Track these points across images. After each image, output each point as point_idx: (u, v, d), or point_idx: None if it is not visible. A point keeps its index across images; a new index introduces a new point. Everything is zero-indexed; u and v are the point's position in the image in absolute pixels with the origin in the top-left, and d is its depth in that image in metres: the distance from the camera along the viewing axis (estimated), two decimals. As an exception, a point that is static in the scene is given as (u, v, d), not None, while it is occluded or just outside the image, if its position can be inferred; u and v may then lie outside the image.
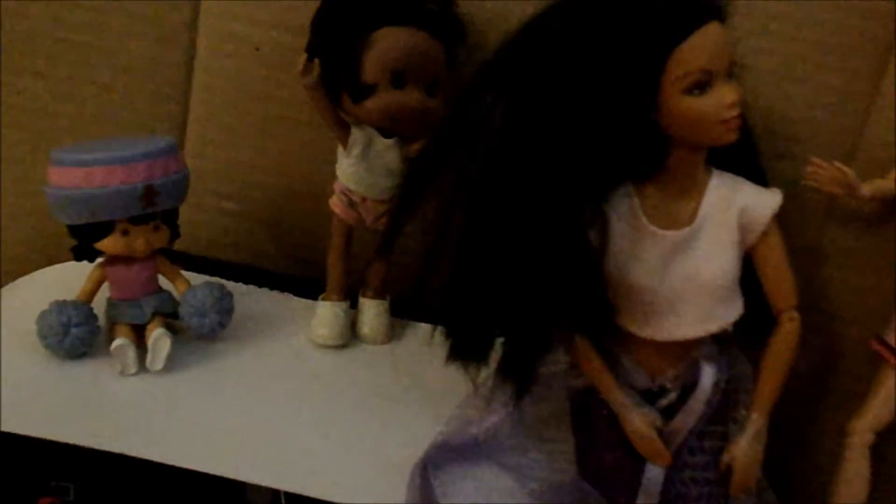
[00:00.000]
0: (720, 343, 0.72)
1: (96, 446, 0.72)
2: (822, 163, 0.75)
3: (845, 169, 0.75)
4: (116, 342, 0.80)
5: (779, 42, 0.84)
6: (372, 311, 0.89)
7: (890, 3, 0.82)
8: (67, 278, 0.87)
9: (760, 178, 0.72)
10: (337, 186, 0.85)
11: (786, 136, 0.86)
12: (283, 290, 0.96)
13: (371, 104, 0.79)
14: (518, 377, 0.70)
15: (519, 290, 0.65)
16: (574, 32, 0.63)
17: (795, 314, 0.71)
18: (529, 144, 0.63)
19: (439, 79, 0.80)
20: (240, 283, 0.95)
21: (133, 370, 0.81)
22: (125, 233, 0.80)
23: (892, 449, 0.84)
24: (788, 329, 0.70)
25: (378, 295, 0.89)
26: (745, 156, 0.72)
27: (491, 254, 0.64)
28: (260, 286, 0.96)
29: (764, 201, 0.68)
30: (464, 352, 0.70)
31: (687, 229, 0.67)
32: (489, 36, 0.85)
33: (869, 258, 0.87)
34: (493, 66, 0.67)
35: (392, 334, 0.91)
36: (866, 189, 0.78)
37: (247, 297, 0.93)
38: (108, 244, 0.81)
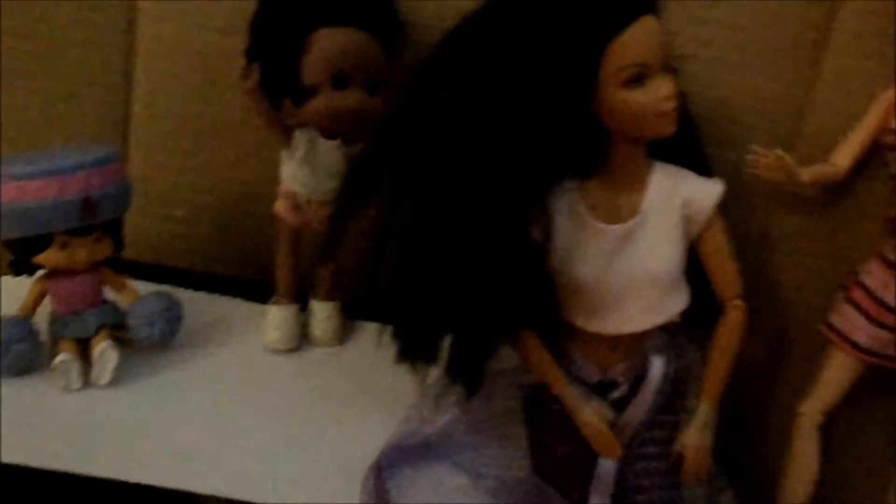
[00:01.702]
0: (668, 333, 0.73)
1: (40, 465, 0.71)
2: (762, 151, 0.76)
3: (784, 156, 0.76)
4: (59, 358, 0.79)
5: (718, 31, 0.85)
6: (322, 314, 0.88)
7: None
8: (7, 293, 0.85)
9: (703, 167, 0.73)
10: (282, 190, 0.84)
11: (729, 123, 0.87)
12: (233, 295, 0.95)
13: (313, 106, 0.78)
14: (467, 376, 0.70)
15: (463, 288, 0.64)
16: (511, 29, 0.63)
17: (740, 302, 0.71)
18: (470, 141, 0.63)
19: (381, 78, 0.80)
20: (189, 291, 0.94)
21: (77, 386, 0.79)
22: (65, 245, 0.79)
23: (840, 428, 0.85)
24: (733, 317, 0.71)
25: (328, 297, 0.89)
26: (687, 146, 0.72)
27: (434, 253, 0.64)
28: (210, 292, 0.95)
29: (706, 192, 0.68)
30: (412, 352, 0.69)
31: (630, 223, 0.67)
32: (431, 33, 0.85)
33: (815, 242, 0.89)
34: (431, 65, 0.67)
35: (344, 336, 0.91)
36: (806, 175, 0.79)
37: (197, 304, 0.92)
38: (48, 258, 0.79)
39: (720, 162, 0.84)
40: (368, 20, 0.78)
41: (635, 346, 0.71)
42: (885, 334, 0.80)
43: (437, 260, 0.64)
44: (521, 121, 0.62)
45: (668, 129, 0.65)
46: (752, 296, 0.90)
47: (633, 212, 0.68)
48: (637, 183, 0.68)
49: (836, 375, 0.83)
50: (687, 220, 0.68)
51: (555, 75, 0.62)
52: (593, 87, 0.62)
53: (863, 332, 0.81)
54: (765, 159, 0.76)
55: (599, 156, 0.67)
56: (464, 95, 0.63)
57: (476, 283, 0.64)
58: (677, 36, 0.84)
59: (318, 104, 0.78)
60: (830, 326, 0.83)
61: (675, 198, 0.68)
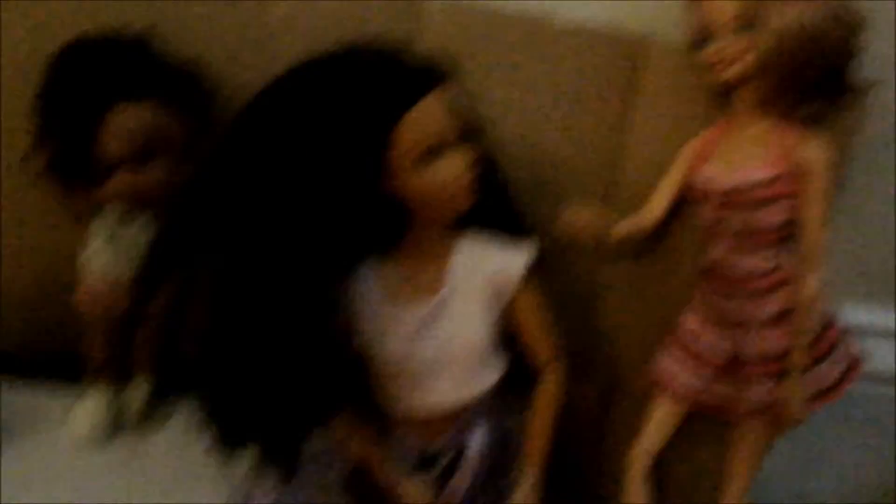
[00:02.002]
0: (489, 400, 0.72)
1: None
2: (575, 209, 0.77)
3: (595, 215, 0.77)
4: None
5: (528, 89, 0.86)
6: (137, 394, 0.84)
7: (629, 47, 0.85)
8: None
9: (517, 228, 0.73)
10: (85, 272, 0.80)
11: (546, 178, 0.88)
12: (44, 378, 0.88)
13: (113, 185, 0.74)
14: (283, 460, 0.68)
15: (267, 374, 0.62)
16: (298, 108, 0.61)
17: (557, 365, 0.72)
18: (262, 222, 0.60)
19: (187, 148, 0.76)
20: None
21: None
22: None
23: (670, 470, 0.88)
24: (551, 381, 0.72)
25: (142, 377, 0.84)
26: (500, 207, 0.72)
27: (233, 338, 0.62)
28: (20, 376, 0.88)
29: (513, 262, 0.68)
30: (225, 438, 0.67)
31: (434, 299, 0.67)
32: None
33: (640, 291, 0.91)
34: (225, 144, 0.65)
35: (160, 416, 0.85)
36: (619, 231, 0.81)
37: (3, 390, 0.85)
38: None
39: (541, 216, 0.86)
40: (169, 92, 0.75)
41: (454, 418, 0.70)
42: (702, 379, 0.83)
43: (237, 346, 0.62)
44: (313, 202, 0.60)
45: (465, 203, 0.64)
46: (582, 345, 0.93)
47: (438, 288, 0.67)
48: (440, 258, 0.67)
49: (660, 420, 0.85)
50: (495, 291, 0.68)
51: (343, 157, 0.60)
52: (384, 168, 0.61)
53: (683, 378, 0.84)
54: (577, 219, 0.77)
55: (399, 234, 0.65)
56: (256, 177, 0.61)
57: (279, 370, 0.62)
58: (483, 101, 0.85)
59: (119, 182, 0.74)
60: (653, 374, 0.86)
61: (482, 270, 0.67)
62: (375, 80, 0.60)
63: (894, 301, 1.00)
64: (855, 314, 0.98)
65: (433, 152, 0.62)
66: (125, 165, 0.73)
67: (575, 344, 0.92)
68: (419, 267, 0.67)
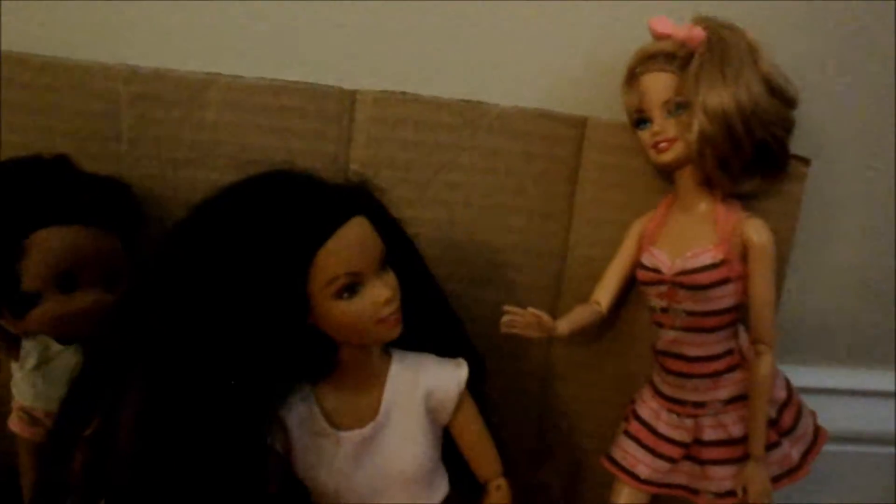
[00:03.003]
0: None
1: None
2: (517, 310, 0.74)
3: (539, 314, 0.75)
4: None
5: (469, 174, 0.84)
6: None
7: (569, 128, 0.84)
8: None
9: (455, 340, 0.71)
10: (15, 404, 0.77)
11: (494, 263, 0.86)
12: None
13: (38, 315, 0.70)
14: None
15: None
16: (216, 243, 0.59)
17: (502, 481, 0.69)
18: (188, 351, 0.58)
19: (118, 271, 0.73)
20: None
21: None
22: None
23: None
24: (494, 497, 0.69)
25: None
26: (436, 322, 0.70)
27: (165, 469, 0.59)
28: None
29: (449, 379, 0.66)
30: None
31: (370, 425, 0.64)
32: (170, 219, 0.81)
33: (595, 372, 0.89)
34: (147, 272, 0.63)
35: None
36: (563, 326, 0.78)
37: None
38: None
39: (489, 304, 0.84)
40: (96, 215, 0.72)
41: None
42: (663, 464, 0.81)
43: (165, 473, 0.59)
44: (236, 332, 0.58)
45: (391, 333, 0.62)
46: (540, 431, 0.90)
47: (373, 413, 0.64)
48: (374, 381, 0.65)
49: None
50: (433, 410, 0.66)
51: (262, 288, 0.58)
52: (304, 299, 0.59)
53: (643, 465, 0.81)
54: (521, 318, 0.75)
55: (328, 361, 0.63)
56: (177, 307, 0.59)
57: (214, 500, 0.59)
58: (423, 189, 0.83)
59: (42, 312, 0.70)
60: (612, 460, 0.83)
61: (417, 390, 0.65)
62: (290, 213, 0.58)
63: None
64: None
65: (352, 286, 0.59)
66: (49, 293, 0.70)
67: (533, 430, 0.91)
68: (356, 392, 0.65)
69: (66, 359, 0.74)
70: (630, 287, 0.84)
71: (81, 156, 0.77)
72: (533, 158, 0.85)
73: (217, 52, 0.84)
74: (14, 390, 0.76)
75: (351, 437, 0.63)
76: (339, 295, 0.59)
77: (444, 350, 0.68)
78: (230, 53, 0.84)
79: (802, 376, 0.87)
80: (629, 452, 0.82)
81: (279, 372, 0.61)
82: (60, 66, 0.80)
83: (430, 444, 0.66)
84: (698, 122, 0.73)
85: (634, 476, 0.81)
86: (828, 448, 0.82)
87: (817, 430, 0.82)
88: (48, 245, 0.70)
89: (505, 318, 0.75)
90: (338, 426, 0.64)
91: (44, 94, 0.80)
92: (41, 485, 0.68)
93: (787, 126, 0.77)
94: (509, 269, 0.86)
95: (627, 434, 0.83)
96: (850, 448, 1.00)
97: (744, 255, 0.76)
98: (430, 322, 0.68)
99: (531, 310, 0.75)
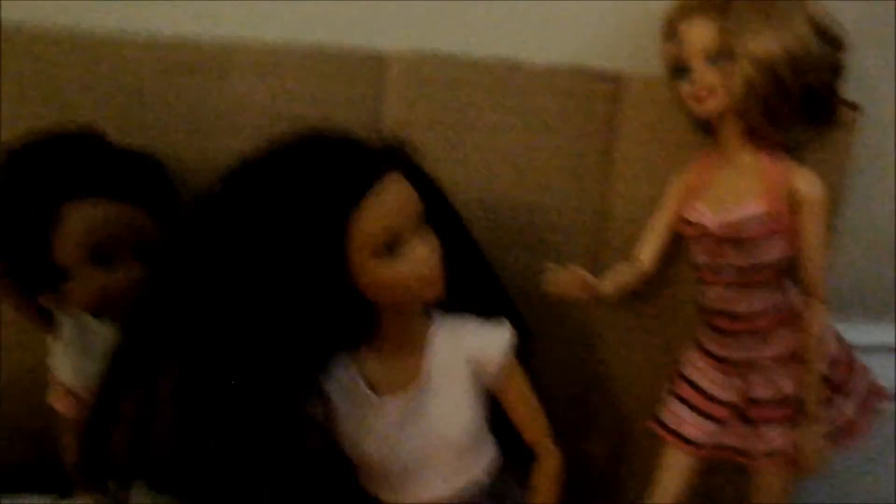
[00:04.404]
0: (487, 485, 0.68)
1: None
2: (559, 268, 0.72)
3: (581, 272, 0.73)
4: None
5: (503, 135, 0.82)
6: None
7: (606, 84, 0.81)
8: None
9: (498, 302, 0.69)
10: (53, 379, 0.76)
11: (530, 223, 0.84)
12: (30, 490, 0.85)
13: (72, 289, 0.69)
14: None
15: (245, 478, 0.58)
16: (251, 204, 0.57)
17: (550, 445, 0.68)
18: (226, 321, 0.57)
19: (150, 246, 0.72)
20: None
21: None
22: None
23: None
24: (545, 462, 0.67)
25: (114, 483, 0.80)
26: (477, 284, 0.68)
27: (208, 444, 0.58)
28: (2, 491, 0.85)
29: (492, 343, 0.64)
30: None
31: (413, 391, 0.63)
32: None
33: (640, 335, 0.87)
34: (183, 242, 0.61)
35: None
36: (608, 286, 0.76)
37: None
38: None
39: (530, 267, 0.82)
40: (123, 187, 0.71)
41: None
42: (711, 425, 0.78)
43: (209, 448, 0.58)
44: (275, 298, 0.57)
45: (432, 292, 0.60)
46: (586, 395, 0.88)
47: (416, 378, 0.63)
48: (416, 346, 0.63)
49: (673, 471, 0.81)
50: (477, 374, 0.64)
51: (300, 251, 0.56)
52: (343, 261, 0.57)
53: (691, 426, 0.79)
54: (563, 276, 0.72)
55: (369, 326, 0.61)
56: (214, 275, 0.58)
57: (255, 472, 0.58)
58: (457, 150, 0.81)
59: (77, 286, 0.70)
60: (660, 423, 0.81)
61: (460, 355, 0.63)
62: (325, 173, 0.56)
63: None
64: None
65: (392, 244, 0.58)
66: (82, 267, 0.70)
67: (579, 395, 0.89)
68: (397, 357, 0.63)
69: (103, 333, 0.74)
70: (673, 244, 0.82)
71: (107, 126, 0.75)
72: (568, 116, 0.82)
73: (242, 18, 0.82)
74: (51, 365, 0.75)
75: (394, 402, 0.62)
76: (377, 254, 0.57)
77: (487, 312, 0.66)
78: (255, 18, 0.82)
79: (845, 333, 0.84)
80: (677, 414, 0.80)
81: (319, 338, 0.59)
82: (81, 37, 0.79)
83: (473, 410, 0.64)
84: (743, 71, 0.70)
85: (682, 437, 0.79)
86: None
87: (873, 386, 0.80)
88: (81, 218, 0.69)
89: (547, 276, 0.72)
90: (380, 392, 0.62)
91: (65, 66, 0.79)
92: (83, 464, 0.67)
93: (836, 70, 0.74)
94: (546, 229, 0.84)
95: (674, 395, 0.81)
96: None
97: (792, 207, 0.73)
98: (472, 283, 0.66)
99: (573, 267, 0.72)
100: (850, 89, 0.75)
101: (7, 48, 0.78)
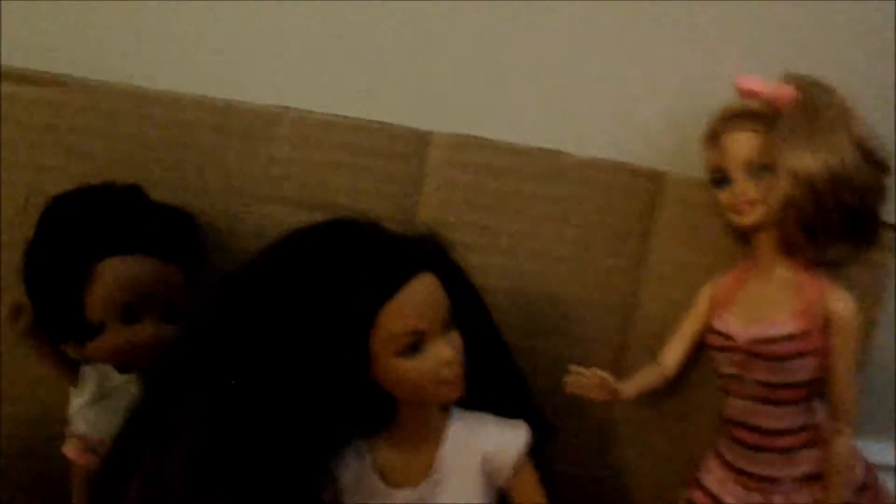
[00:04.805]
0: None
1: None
2: (583, 370, 0.72)
3: (604, 376, 0.72)
4: None
5: (539, 223, 0.82)
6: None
7: (646, 182, 0.82)
8: None
9: (518, 402, 0.69)
10: (70, 431, 0.76)
11: (559, 315, 0.83)
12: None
13: (100, 344, 0.70)
14: None
15: None
16: (280, 294, 0.58)
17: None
18: (243, 396, 0.57)
19: (177, 304, 0.73)
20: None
21: None
22: None
23: None
24: None
25: None
26: (499, 383, 0.68)
27: None
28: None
29: (508, 443, 0.63)
30: None
31: (424, 484, 0.62)
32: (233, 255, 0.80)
33: (656, 432, 0.86)
34: (206, 313, 0.62)
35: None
36: (630, 389, 0.75)
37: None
38: None
39: (552, 356, 0.81)
40: (158, 246, 0.72)
41: None
42: (728, 540, 0.76)
43: None
44: (295, 382, 0.57)
45: (451, 394, 0.60)
46: (599, 491, 0.87)
47: (427, 472, 0.62)
48: (431, 440, 0.63)
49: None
50: (490, 474, 0.63)
51: (324, 341, 0.56)
52: (366, 355, 0.57)
53: (708, 536, 0.77)
54: (586, 379, 0.72)
55: (386, 416, 0.61)
56: (237, 351, 0.59)
57: None
58: (493, 236, 0.81)
59: (105, 342, 0.70)
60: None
61: (475, 453, 0.63)
62: (358, 268, 0.57)
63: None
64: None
65: (416, 345, 0.58)
66: (112, 323, 0.70)
67: (592, 489, 0.87)
68: (412, 449, 0.63)
69: (125, 389, 0.74)
70: (698, 350, 0.81)
71: (149, 184, 0.77)
72: (606, 211, 0.82)
73: (289, 86, 0.84)
74: (70, 416, 0.76)
75: (404, 496, 0.61)
76: (401, 353, 0.57)
77: (507, 411, 0.65)
78: (302, 87, 0.84)
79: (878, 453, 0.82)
80: (693, 522, 0.78)
81: (336, 425, 0.59)
82: (133, 93, 0.81)
83: (484, 506, 0.63)
84: (783, 187, 0.70)
85: (698, 548, 0.78)
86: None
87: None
88: (113, 275, 0.70)
89: (569, 378, 0.72)
90: (391, 484, 0.62)
91: (113, 122, 0.81)
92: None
93: (879, 193, 0.73)
94: (574, 322, 0.83)
95: (690, 502, 0.79)
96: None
97: (825, 327, 0.72)
98: (494, 381, 0.66)
99: (596, 371, 0.72)
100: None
101: (67, 100, 0.80)
